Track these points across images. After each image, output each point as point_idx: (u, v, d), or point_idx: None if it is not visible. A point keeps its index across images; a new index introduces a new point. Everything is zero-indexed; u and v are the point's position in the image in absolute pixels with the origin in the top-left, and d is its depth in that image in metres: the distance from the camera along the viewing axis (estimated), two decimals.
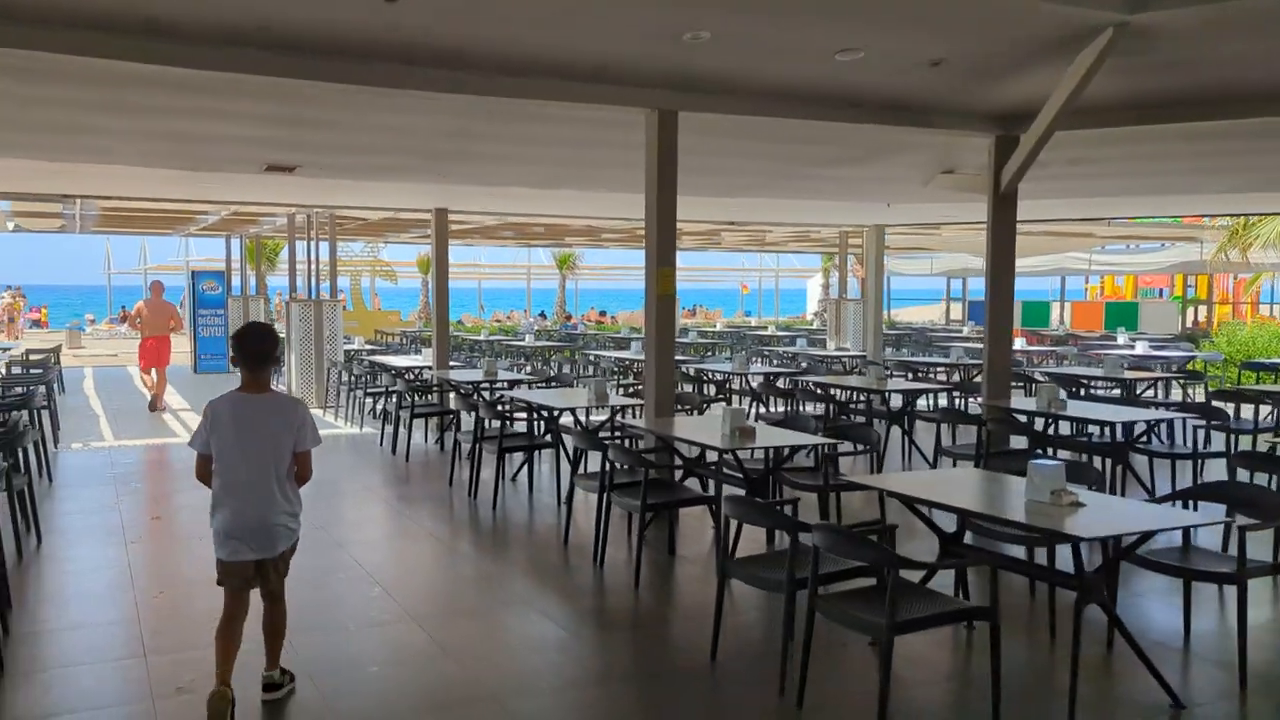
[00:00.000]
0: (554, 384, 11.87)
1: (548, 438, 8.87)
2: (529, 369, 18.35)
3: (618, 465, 6.48)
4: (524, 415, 9.67)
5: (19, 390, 11.59)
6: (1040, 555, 5.24)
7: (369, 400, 13.19)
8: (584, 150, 8.90)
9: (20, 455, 7.15)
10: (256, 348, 4.18)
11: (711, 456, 6.84)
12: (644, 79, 6.82)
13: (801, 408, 10.69)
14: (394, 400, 11.17)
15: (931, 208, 13.86)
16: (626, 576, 6.22)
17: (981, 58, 6.53)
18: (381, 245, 25.90)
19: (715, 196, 11.96)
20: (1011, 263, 8.90)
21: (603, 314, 39.04)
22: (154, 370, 14.60)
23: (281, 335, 12.02)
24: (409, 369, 13.34)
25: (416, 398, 11.05)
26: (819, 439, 6.76)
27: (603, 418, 9.22)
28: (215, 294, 21.45)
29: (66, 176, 10.16)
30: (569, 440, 8.05)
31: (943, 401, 13.22)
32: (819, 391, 10.46)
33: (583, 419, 9.11)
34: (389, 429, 11.30)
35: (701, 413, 8.93)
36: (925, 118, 8.00)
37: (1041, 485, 4.43)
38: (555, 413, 8.74)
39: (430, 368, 13.21)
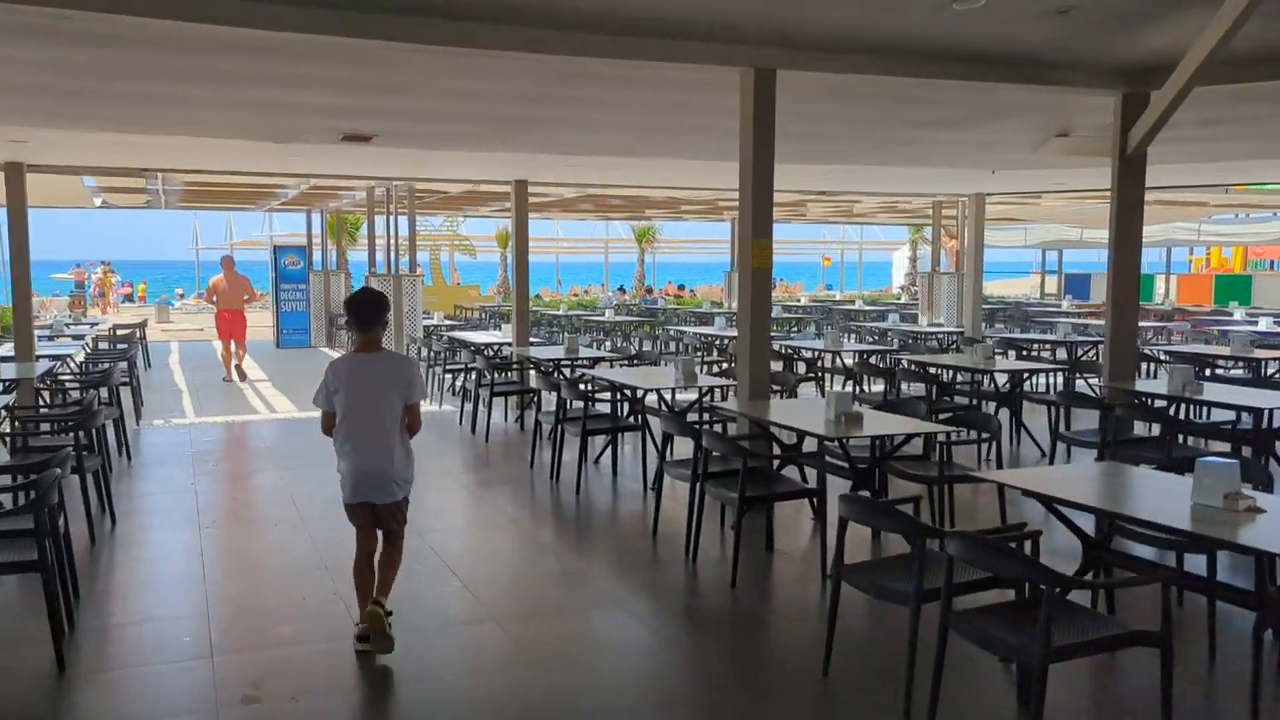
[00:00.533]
0: (637, 362, 11.43)
1: (633, 419, 8.43)
2: (609, 345, 17.99)
3: (711, 453, 6.00)
4: (607, 395, 9.25)
5: (104, 366, 11.58)
6: (1197, 566, 4.62)
7: (448, 377, 12.93)
8: (669, 116, 8.38)
9: (96, 435, 6.95)
10: (368, 311, 4.62)
11: (810, 443, 6.32)
12: (740, 35, 6.27)
13: (900, 389, 10.07)
14: (473, 378, 10.85)
15: (1038, 175, 13.02)
16: (722, 573, 5.76)
17: (1115, 2, 5.84)
18: (461, 219, 25.74)
19: (806, 164, 11.33)
20: (1138, 233, 8.15)
21: (681, 288, 38.46)
22: (232, 341, 15.22)
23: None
24: (488, 345, 13.04)
25: (496, 375, 10.71)
26: (934, 426, 6.19)
27: (689, 398, 8.74)
28: (297, 269, 21.48)
29: (146, 150, 10.00)
30: (655, 422, 7.61)
31: (1050, 382, 12.45)
32: (920, 371, 9.83)
33: (669, 399, 8.65)
34: (468, 407, 11.00)
35: (795, 394, 8.39)
36: (1046, 74, 7.29)
37: (1213, 488, 3.83)
38: (640, 393, 8.29)
39: (510, 344, 12.88)
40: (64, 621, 4.60)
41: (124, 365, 11.38)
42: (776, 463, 6.62)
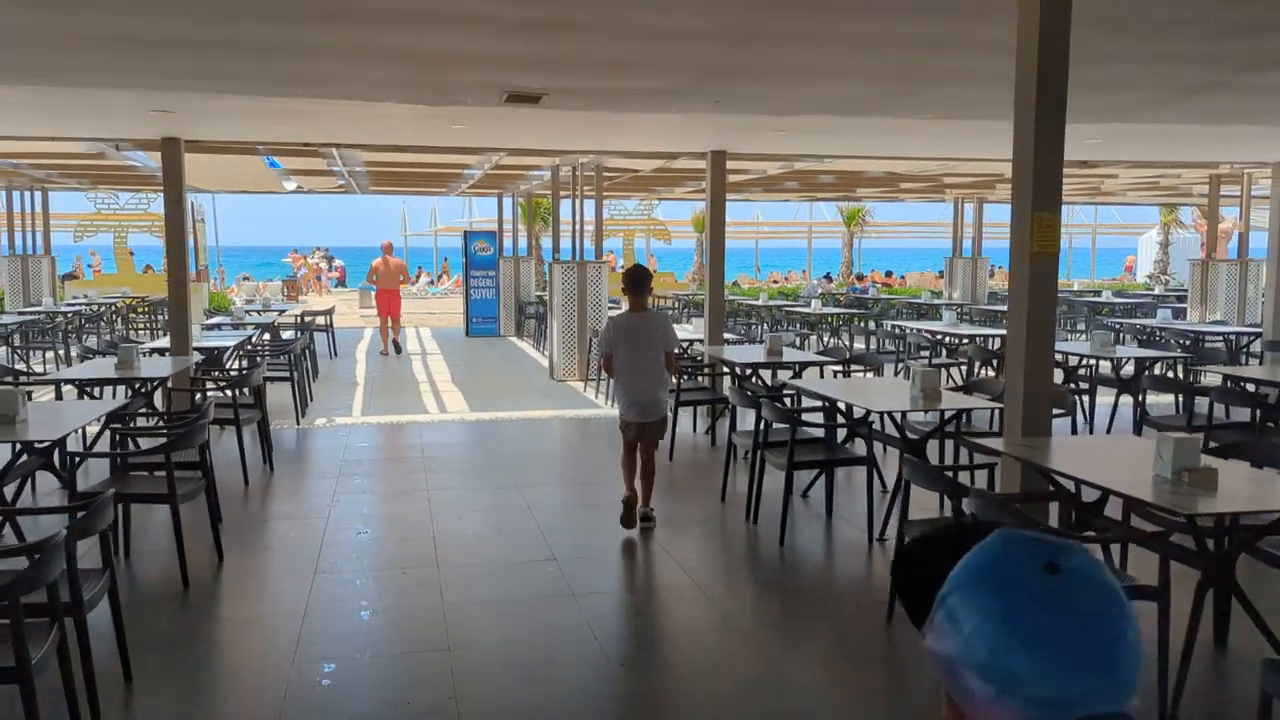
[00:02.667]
0: (854, 368, 9.51)
1: (854, 444, 6.62)
2: (815, 341, 16.04)
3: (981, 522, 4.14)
4: (816, 406, 7.45)
5: (259, 358, 10.77)
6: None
7: None
8: (920, 56, 6.46)
9: (202, 454, 5.79)
10: (639, 284, 6.23)
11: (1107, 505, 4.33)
12: None
13: (1195, 408, 7.74)
14: None
15: None
16: None
17: None
18: (655, 203, 24.34)
19: (1080, 123, 9.04)
20: None
21: (889, 275, 35.70)
22: (389, 318, 16.68)
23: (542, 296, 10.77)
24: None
25: (683, 379, 9.10)
26: None
27: (916, 414, 6.82)
28: (487, 255, 20.65)
29: (305, 122, 8.97)
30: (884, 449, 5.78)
31: None
32: (1238, 390, 7.48)
33: (902, 416, 6.75)
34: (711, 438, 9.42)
35: (1072, 417, 6.35)
36: None
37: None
38: (866, 415, 6.46)
39: (701, 341, 11.24)
40: None
41: (285, 359, 10.51)
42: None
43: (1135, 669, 0.94)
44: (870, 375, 9.26)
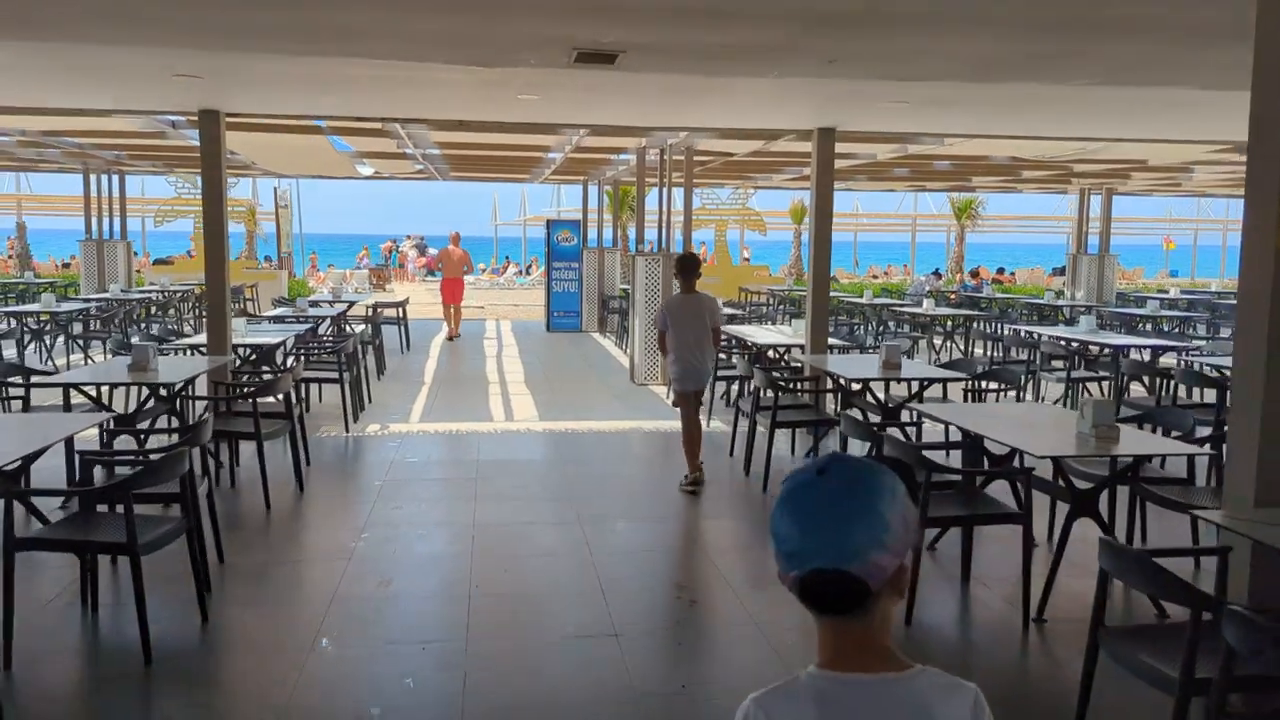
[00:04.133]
0: (990, 385, 8.01)
1: (999, 487, 5.20)
2: (925, 346, 14.46)
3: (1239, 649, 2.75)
4: (953, 442, 6.04)
5: (330, 356, 9.79)
6: None
7: (720, 384, 10.10)
8: (1072, 1, 5.00)
9: (185, 487, 4.68)
10: (689, 270, 7.22)
11: None
12: None
13: None
14: (750, 394, 7.98)
15: None
16: None
17: None
18: (750, 192, 22.89)
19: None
20: None
21: (1000, 271, 33.47)
22: (452, 306, 17.48)
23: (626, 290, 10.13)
24: (772, 348, 10.07)
25: (780, 394, 7.74)
26: None
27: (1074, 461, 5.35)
28: (570, 245, 19.53)
29: (350, 93, 7.90)
30: (1041, 501, 4.37)
31: None
32: None
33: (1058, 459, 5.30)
34: (743, 427, 8.12)
35: None
36: None
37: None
38: (1014, 454, 5.05)
39: (801, 347, 9.85)
40: None
41: (340, 357, 9.49)
42: None
43: (865, 543, 1.30)
44: (1004, 394, 7.80)
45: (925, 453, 5.08)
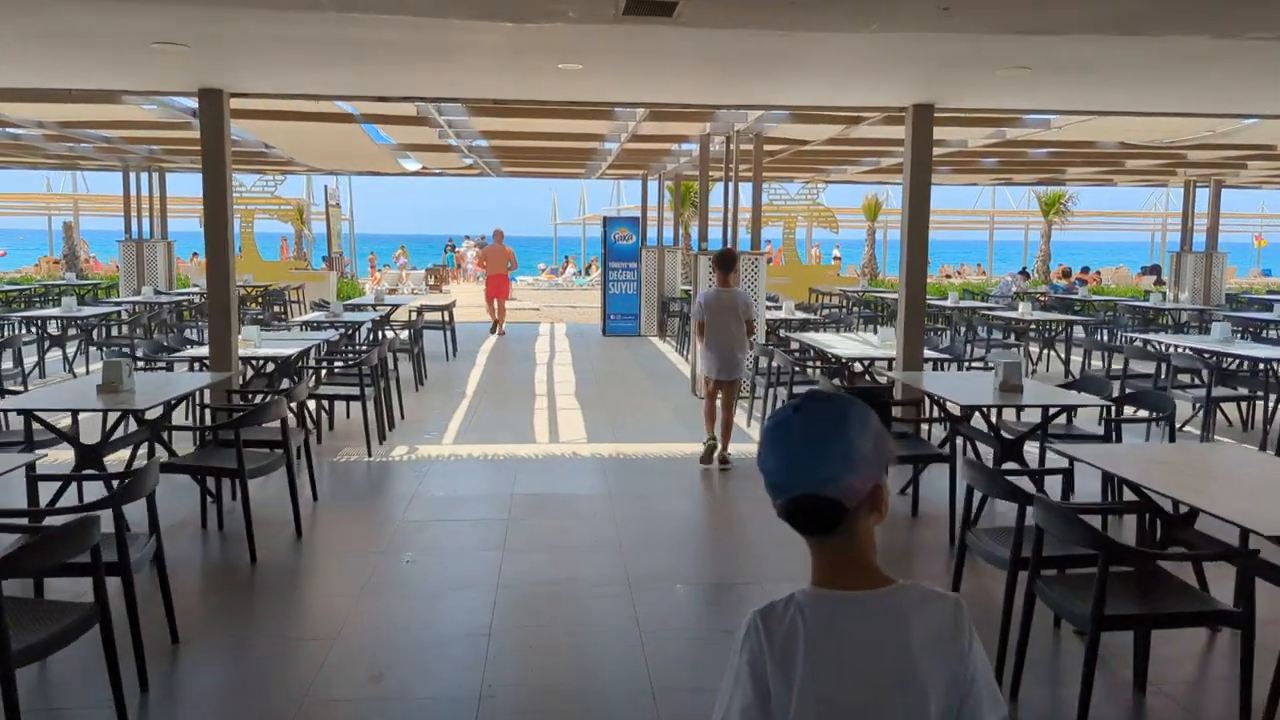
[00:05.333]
0: (1140, 412, 6.56)
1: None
2: (1026, 352, 12.94)
3: None
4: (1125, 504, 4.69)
5: (351, 368, 8.74)
6: None
7: (782, 391, 8.78)
8: None
9: (101, 577, 3.55)
10: (726, 263, 7.64)
11: None
12: None
13: None
14: None
15: None
16: None
17: None
18: (821, 186, 21.42)
19: None
20: None
21: (1084, 270, 31.46)
22: (495, 300, 17.80)
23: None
24: (854, 361, 8.72)
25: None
26: None
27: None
28: (628, 244, 18.32)
29: (359, 68, 6.77)
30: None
31: None
32: None
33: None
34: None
35: None
36: None
37: None
38: (1245, 537, 3.68)
39: (886, 361, 8.47)
40: None
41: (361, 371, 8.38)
42: None
43: (837, 468, 1.44)
44: (1156, 423, 6.38)
45: (1084, 517, 3.74)
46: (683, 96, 8.08)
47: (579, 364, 14.12)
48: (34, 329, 11.85)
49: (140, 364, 8.10)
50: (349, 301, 15.79)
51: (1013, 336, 13.71)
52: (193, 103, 10.08)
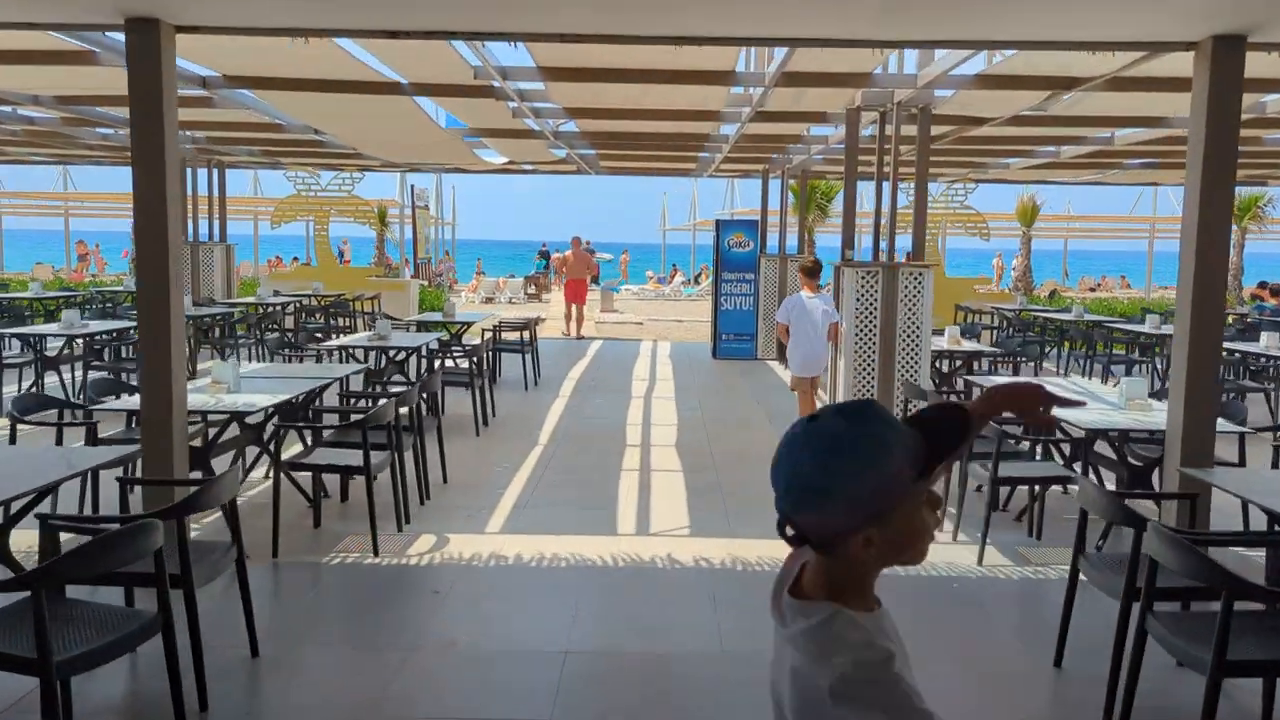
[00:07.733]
0: None
1: None
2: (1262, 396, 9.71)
3: None
4: None
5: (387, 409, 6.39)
6: None
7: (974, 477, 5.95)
8: None
9: None
10: (814, 271, 8.62)
11: None
12: None
13: None
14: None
15: None
16: None
17: None
18: (971, 186, 18.26)
19: None
20: None
21: (1261, 285, 27.19)
22: (574, 306, 17.66)
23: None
24: (1096, 437, 5.82)
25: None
26: None
27: None
28: (744, 251, 15.64)
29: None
30: None
31: None
32: None
33: None
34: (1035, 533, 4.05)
35: None
36: None
37: None
38: None
39: (1146, 433, 5.57)
40: None
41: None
42: None
43: (798, 501, 1.38)
44: None
45: None
46: (829, 29, 5.31)
47: (683, 400, 11.47)
48: (30, 349, 9.85)
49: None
50: (417, 318, 13.49)
51: (1247, 376, 10.53)
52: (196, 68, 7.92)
